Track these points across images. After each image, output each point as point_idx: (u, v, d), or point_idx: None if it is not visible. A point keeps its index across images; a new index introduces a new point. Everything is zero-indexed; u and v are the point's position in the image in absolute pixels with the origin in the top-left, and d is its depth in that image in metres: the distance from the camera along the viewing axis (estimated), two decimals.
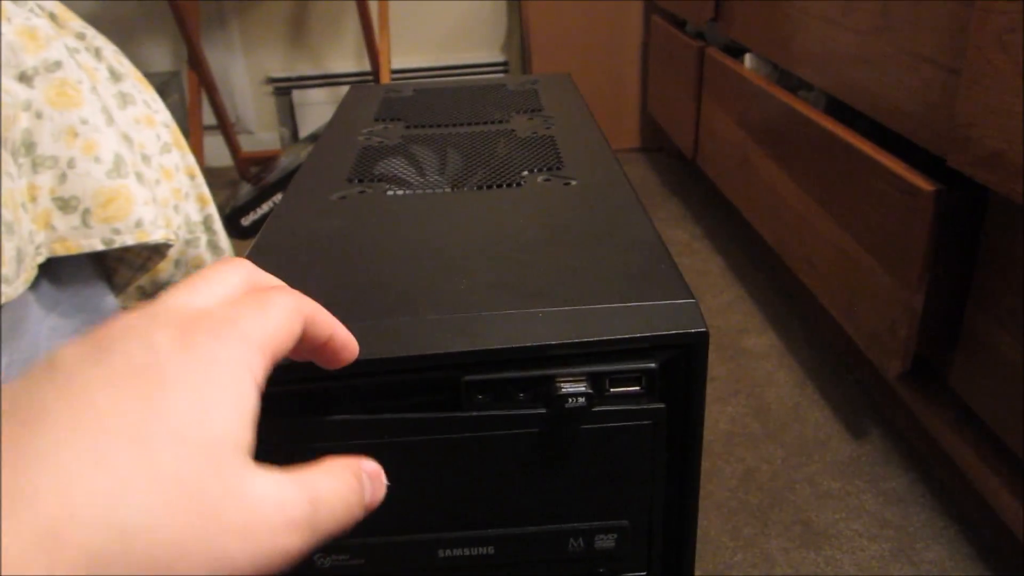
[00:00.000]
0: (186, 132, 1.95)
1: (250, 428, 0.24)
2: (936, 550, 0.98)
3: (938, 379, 1.03)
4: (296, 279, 0.41)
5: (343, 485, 0.27)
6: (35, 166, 0.72)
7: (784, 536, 1.02)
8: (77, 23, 0.84)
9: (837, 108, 1.20)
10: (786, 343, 1.41)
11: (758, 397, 1.28)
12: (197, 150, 1.91)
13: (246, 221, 1.88)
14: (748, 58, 1.54)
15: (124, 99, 0.84)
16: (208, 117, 2.05)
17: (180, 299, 0.26)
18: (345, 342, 0.31)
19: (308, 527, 0.24)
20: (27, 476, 0.20)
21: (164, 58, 2.27)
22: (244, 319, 0.25)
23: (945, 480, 1.08)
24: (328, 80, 2.30)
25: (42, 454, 0.20)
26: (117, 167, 0.75)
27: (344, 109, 0.75)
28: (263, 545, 0.23)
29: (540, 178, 0.54)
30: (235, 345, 0.24)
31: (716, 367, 1.33)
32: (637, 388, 0.36)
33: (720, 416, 1.24)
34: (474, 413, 0.35)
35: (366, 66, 2.27)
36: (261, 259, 0.44)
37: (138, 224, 0.75)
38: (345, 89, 2.25)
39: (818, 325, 1.44)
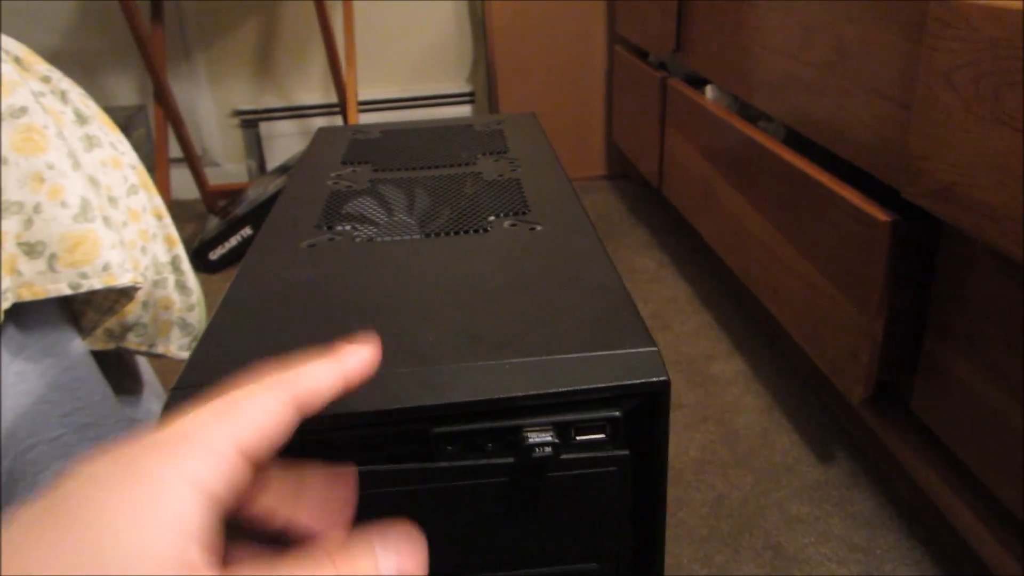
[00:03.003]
0: (153, 166, 1.94)
1: (196, 543, 0.23)
2: (904, 572, 1.00)
3: (900, 403, 1.05)
4: (269, 333, 0.41)
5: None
6: (1, 211, 0.72)
7: (755, 562, 1.03)
8: (43, 66, 0.84)
9: (797, 139, 1.23)
10: (753, 369, 1.44)
11: (727, 423, 1.29)
12: (164, 183, 1.90)
13: (214, 255, 1.87)
14: (709, 89, 1.57)
15: (90, 142, 0.84)
16: (175, 150, 2.04)
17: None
18: (363, 370, 0.31)
19: None
20: None
21: (130, 92, 2.26)
22: (197, 427, 0.25)
23: (911, 502, 1.10)
24: (295, 112, 2.30)
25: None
26: (84, 211, 0.75)
27: (312, 152, 0.76)
28: None
29: (506, 223, 0.55)
30: (182, 458, 0.24)
31: (684, 394, 1.34)
32: (602, 436, 0.37)
33: (690, 443, 1.25)
34: (443, 464, 0.36)
35: (333, 98, 2.28)
36: (233, 312, 0.45)
37: (105, 268, 0.75)
38: (312, 121, 2.27)
39: (784, 351, 1.46)
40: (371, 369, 0.31)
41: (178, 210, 2.19)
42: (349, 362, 0.30)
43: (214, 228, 1.90)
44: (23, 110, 0.74)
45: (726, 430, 1.28)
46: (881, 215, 0.92)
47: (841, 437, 1.24)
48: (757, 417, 1.31)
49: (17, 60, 0.81)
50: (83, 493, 0.23)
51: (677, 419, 1.29)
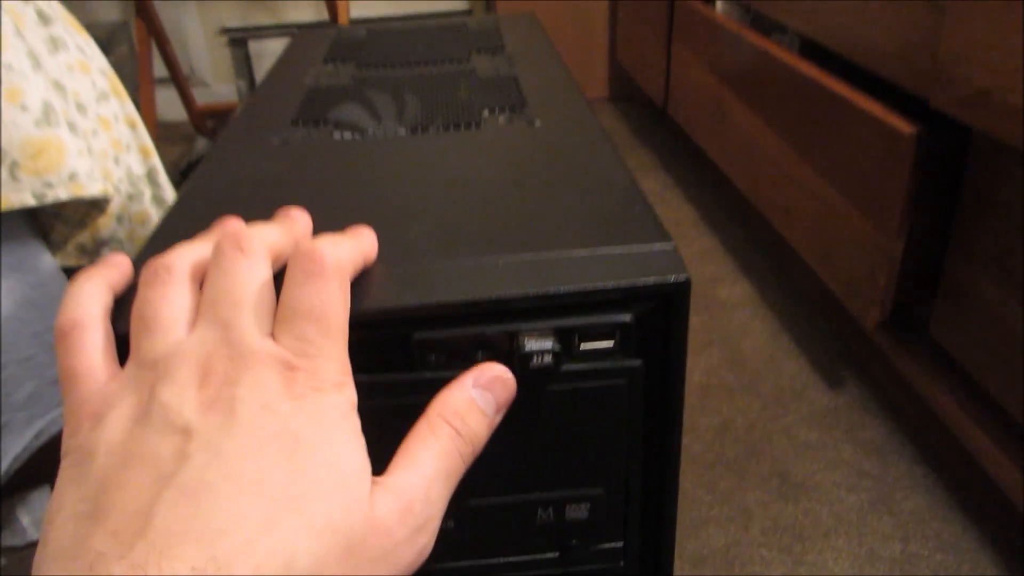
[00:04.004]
0: (136, 85, 1.86)
1: (365, 454, 0.27)
2: (915, 499, 0.97)
3: (916, 327, 1.00)
4: None
5: (438, 453, 0.28)
6: None
7: (761, 489, 1.00)
8: None
9: (812, 51, 1.16)
10: (760, 293, 1.39)
11: (733, 348, 1.25)
12: (148, 104, 1.83)
13: None
14: (719, 1, 1.49)
15: (55, 44, 0.78)
16: (160, 69, 1.96)
17: (251, 337, 0.26)
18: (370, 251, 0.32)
19: (429, 518, 0.27)
20: (209, 542, 0.22)
21: (111, 7, 2.16)
22: (321, 364, 0.26)
23: (923, 429, 1.06)
24: (286, 30, 2.21)
25: (217, 528, 0.22)
26: (46, 116, 0.69)
27: (291, 51, 0.70)
28: (402, 560, 0.26)
29: (501, 119, 0.50)
30: (332, 390, 0.26)
31: (689, 318, 1.30)
32: (610, 344, 0.32)
33: (694, 368, 1.21)
34: (426, 375, 0.31)
35: (325, 15, 2.18)
36: (190, 209, 0.40)
37: (72, 177, 0.70)
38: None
39: (793, 274, 1.42)
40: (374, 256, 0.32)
41: (164, 131, 2.12)
42: (365, 243, 0.31)
43: (203, 149, 1.84)
44: None
45: (732, 355, 1.24)
46: (905, 127, 0.86)
47: (851, 363, 1.20)
48: (764, 342, 1.27)
49: None
50: (277, 424, 0.25)
51: None
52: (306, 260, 0.27)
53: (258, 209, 0.34)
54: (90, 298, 0.29)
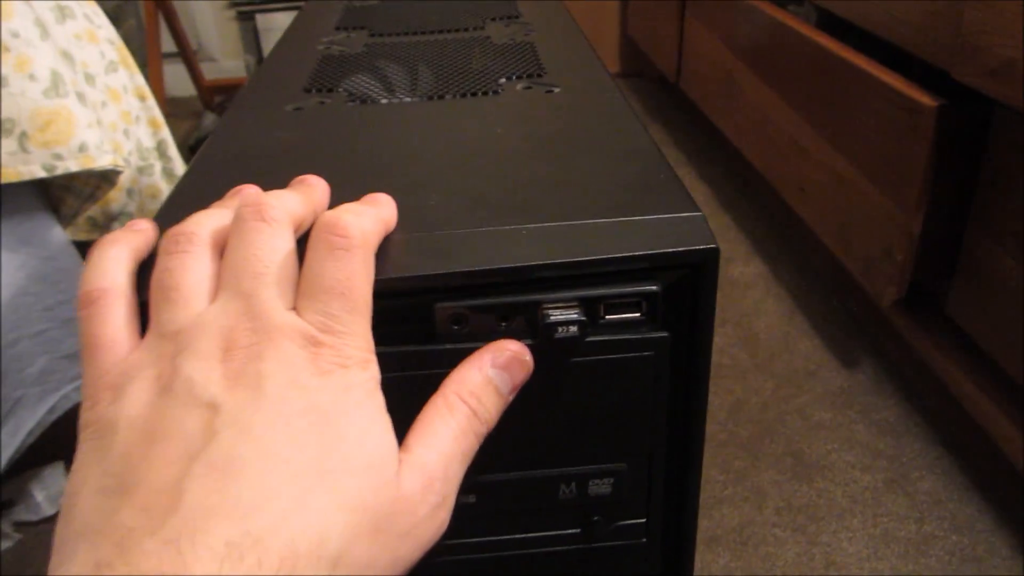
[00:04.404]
0: (145, 59, 1.85)
1: (392, 432, 0.26)
2: (930, 480, 0.96)
3: (933, 306, 0.99)
4: None
5: (456, 432, 0.28)
6: None
7: (775, 468, 0.99)
8: None
9: (829, 23, 1.14)
10: (774, 272, 1.38)
11: (746, 327, 1.24)
12: (156, 79, 1.81)
13: None
14: None
15: (62, 12, 0.77)
16: (168, 44, 1.95)
17: (272, 309, 0.26)
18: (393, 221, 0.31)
19: (447, 495, 0.27)
20: (242, 517, 0.22)
21: None
22: (346, 340, 0.26)
23: (939, 409, 1.05)
24: (294, 4, 2.19)
25: (249, 503, 0.22)
26: (55, 85, 0.68)
27: (302, 19, 0.68)
28: (424, 536, 0.26)
29: (519, 86, 0.48)
30: (357, 367, 0.26)
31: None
32: (637, 314, 0.31)
33: None
34: (448, 346, 0.30)
35: None
36: (203, 177, 0.39)
37: (82, 148, 0.69)
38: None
39: (807, 253, 1.40)
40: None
41: (173, 107, 2.10)
42: (386, 211, 0.30)
43: (211, 125, 1.83)
44: None
45: (745, 334, 1.23)
46: (927, 100, 0.85)
47: (866, 343, 1.19)
48: (778, 321, 1.25)
49: None
50: (305, 399, 0.24)
51: None
52: (330, 232, 0.27)
53: (273, 176, 0.33)
54: (115, 265, 0.28)
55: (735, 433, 1.05)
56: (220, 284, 0.27)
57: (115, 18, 1.97)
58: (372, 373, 0.26)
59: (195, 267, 0.27)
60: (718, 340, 1.22)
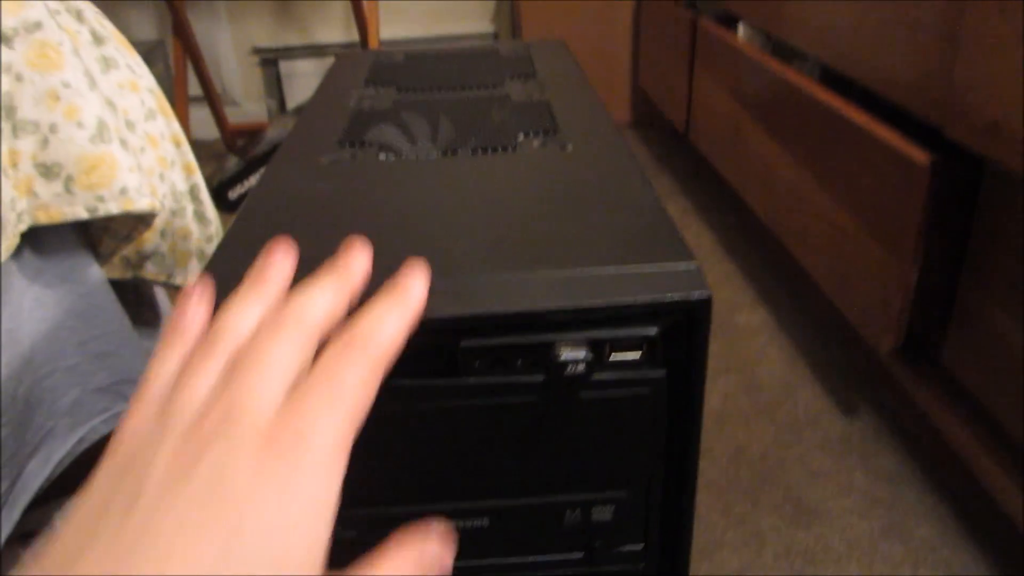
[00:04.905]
0: (172, 103, 1.91)
1: (322, 549, 0.24)
2: (927, 527, 0.98)
3: (930, 356, 1.02)
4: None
5: None
6: (16, 130, 0.70)
7: (775, 514, 1.01)
8: None
9: (832, 79, 1.18)
10: (778, 319, 1.41)
11: (749, 374, 1.27)
12: (183, 121, 1.88)
13: (233, 194, 1.86)
14: (741, 28, 1.52)
15: (107, 63, 0.82)
16: (194, 88, 2.02)
17: (252, 397, 0.26)
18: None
19: None
20: None
21: (148, 26, 2.22)
22: (317, 431, 0.25)
23: (936, 458, 1.08)
24: (316, 51, 2.26)
25: None
26: (100, 132, 0.73)
27: (334, 73, 0.73)
28: None
29: (535, 143, 0.53)
30: (309, 471, 0.25)
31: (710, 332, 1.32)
32: (638, 355, 0.35)
33: (711, 393, 1.24)
34: (470, 380, 0.34)
35: (354, 36, 2.24)
36: (249, 225, 0.43)
37: (123, 192, 0.74)
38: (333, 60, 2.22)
39: (810, 301, 1.44)
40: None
41: (197, 149, 2.16)
42: (412, 304, 0.31)
43: (233, 167, 1.88)
44: (38, 25, 0.71)
45: (749, 381, 1.26)
46: (921, 156, 0.89)
47: (865, 391, 1.22)
48: (780, 369, 1.29)
49: None
50: (230, 492, 0.24)
51: None
52: (353, 349, 0.28)
53: (313, 229, 0.37)
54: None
55: (736, 478, 1.07)
56: (223, 370, 0.27)
57: (145, 63, 2.04)
58: (327, 482, 0.25)
59: (211, 372, 0.28)
60: (722, 387, 1.25)
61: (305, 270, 0.32)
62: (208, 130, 2.20)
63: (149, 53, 2.13)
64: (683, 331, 0.35)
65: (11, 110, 0.70)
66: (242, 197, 1.85)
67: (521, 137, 0.53)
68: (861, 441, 1.13)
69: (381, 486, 0.36)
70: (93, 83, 0.75)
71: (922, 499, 1.02)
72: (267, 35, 2.26)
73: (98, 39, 0.82)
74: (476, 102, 0.62)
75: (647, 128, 2.35)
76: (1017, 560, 0.92)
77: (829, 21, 1.14)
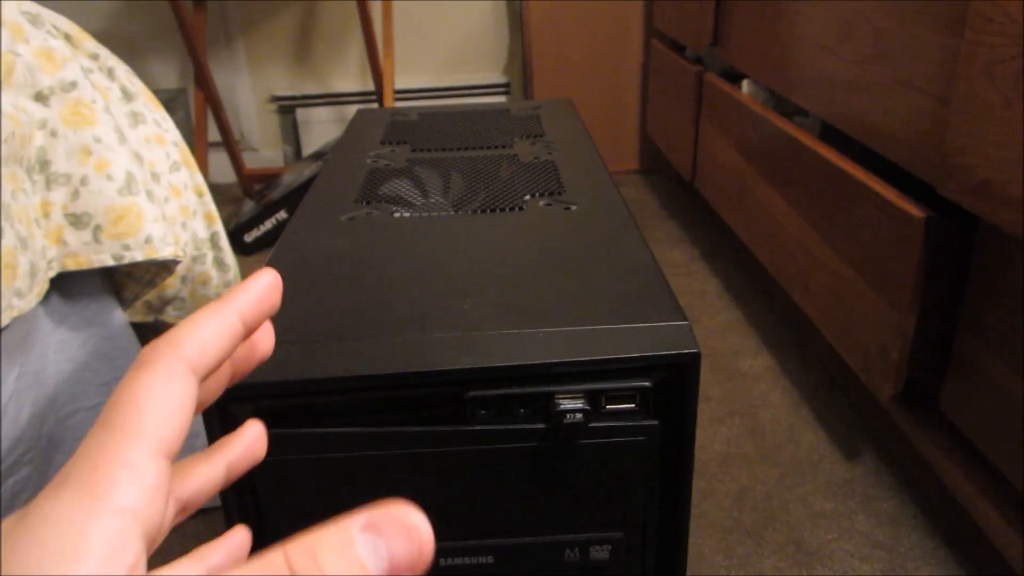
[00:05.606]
0: (192, 149, 1.97)
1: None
2: (927, 571, 0.99)
3: (929, 402, 1.04)
4: (308, 297, 0.42)
5: None
6: (49, 183, 0.74)
7: (777, 556, 1.03)
8: (91, 43, 0.86)
9: (832, 134, 1.22)
10: (781, 365, 1.43)
11: (753, 418, 1.29)
12: (202, 166, 1.93)
13: (249, 238, 1.90)
14: (746, 84, 1.57)
15: (136, 118, 0.86)
16: (213, 134, 2.08)
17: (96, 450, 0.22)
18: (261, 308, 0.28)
19: None
20: None
21: (171, 75, 2.29)
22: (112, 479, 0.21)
23: (935, 501, 1.09)
24: (332, 99, 2.33)
25: None
26: (128, 185, 0.77)
27: (352, 131, 0.77)
28: None
29: (542, 202, 0.56)
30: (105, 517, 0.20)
31: (711, 388, 1.35)
32: (632, 405, 0.38)
33: (715, 437, 1.25)
34: (477, 427, 0.37)
35: (370, 85, 2.30)
36: None
37: (148, 241, 0.77)
38: (349, 108, 2.29)
39: (812, 347, 1.46)
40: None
41: (215, 193, 2.21)
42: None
43: (249, 211, 1.93)
44: (73, 84, 0.76)
45: (752, 425, 1.28)
46: (916, 211, 0.92)
47: (867, 435, 1.24)
48: (784, 413, 1.30)
49: (67, 37, 0.83)
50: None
51: (703, 412, 1.29)
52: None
53: (332, 280, 0.40)
54: None
55: (739, 520, 1.09)
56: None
57: (167, 110, 2.11)
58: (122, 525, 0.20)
59: None
60: (726, 430, 1.27)
61: (324, 322, 0.35)
62: (226, 174, 2.26)
63: (171, 101, 2.19)
64: (675, 384, 0.38)
65: (45, 164, 0.74)
66: (258, 240, 1.90)
67: (528, 197, 0.57)
68: (863, 485, 1.14)
69: None
70: (123, 138, 0.79)
71: (922, 543, 1.04)
72: (285, 84, 2.33)
73: (128, 96, 0.86)
74: (485, 161, 0.65)
75: (655, 175, 2.40)
76: None
77: (828, 80, 1.18)
